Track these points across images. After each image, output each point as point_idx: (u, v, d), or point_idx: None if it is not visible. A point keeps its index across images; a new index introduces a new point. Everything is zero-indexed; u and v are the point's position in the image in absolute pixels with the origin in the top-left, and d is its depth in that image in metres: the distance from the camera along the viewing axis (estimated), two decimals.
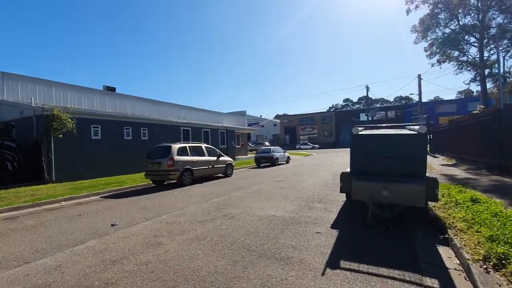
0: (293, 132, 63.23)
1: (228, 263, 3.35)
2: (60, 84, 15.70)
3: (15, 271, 3.39)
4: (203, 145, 12.22)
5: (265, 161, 18.81)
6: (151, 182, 11.14)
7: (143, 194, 9.13)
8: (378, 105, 66.83)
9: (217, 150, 12.99)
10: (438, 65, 22.33)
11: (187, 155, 10.79)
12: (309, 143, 52.96)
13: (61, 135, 11.28)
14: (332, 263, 3.29)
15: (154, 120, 17.39)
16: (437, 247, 3.73)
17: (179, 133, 18.56)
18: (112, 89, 18.56)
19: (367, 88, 40.88)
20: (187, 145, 11.17)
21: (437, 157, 18.12)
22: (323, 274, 3.02)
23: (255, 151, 22.54)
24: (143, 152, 11.94)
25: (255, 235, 4.41)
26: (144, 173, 11.00)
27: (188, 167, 10.59)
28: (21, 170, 11.40)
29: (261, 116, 72.37)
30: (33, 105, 11.74)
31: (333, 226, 4.74)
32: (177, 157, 10.25)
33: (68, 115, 11.41)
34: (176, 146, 10.52)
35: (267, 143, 44.66)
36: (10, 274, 3.31)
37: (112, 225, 5.28)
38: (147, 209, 6.64)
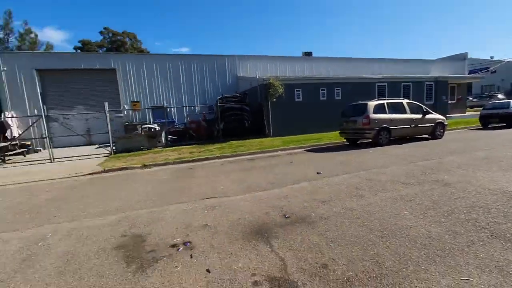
0: None
1: (446, 232, 2.93)
2: (271, 57, 19.28)
3: (258, 194, 4.88)
4: (405, 101, 10.71)
5: (498, 120, 13.50)
6: (344, 140, 11.56)
7: (338, 150, 9.70)
8: None
9: (422, 106, 10.97)
10: None
11: (385, 113, 9.98)
12: None
13: (274, 99, 14.14)
14: None
15: (346, 79, 17.27)
16: None
17: (373, 90, 17.33)
18: (309, 54, 20.21)
19: None
20: (385, 101, 10.28)
21: None
22: None
23: (481, 107, 16.67)
24: (336, 111, 12.42)
25: (485, 210, 3.47)
26: (338, 132, 11.54)
27: (385, 125, 9.86)
28: (251, 127, 15.69)
29: (492, 58, 50.42)
30: (257, 77, 15.42)
31: None
32: (373, 115, 9.77)
33: (279, 82, 13.94)
34: (372, 104, 10.00)
35: (500, 96, 31.35)
36: (255, 196, 4.82)
37: (317, 173, 6.16)
38: (345, 164, 7.05)
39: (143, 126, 15.65)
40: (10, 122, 14.54)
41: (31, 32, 34.28)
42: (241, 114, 15.13)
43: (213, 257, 2.74)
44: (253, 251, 2.81)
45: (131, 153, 12.19)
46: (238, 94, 16.50)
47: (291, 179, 5.78)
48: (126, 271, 2.60)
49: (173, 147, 13.22)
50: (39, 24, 76.87)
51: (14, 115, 14.96)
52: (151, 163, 9.20)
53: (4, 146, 12.44)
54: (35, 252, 3.12)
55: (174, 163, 9.39)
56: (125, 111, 17.42)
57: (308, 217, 3.59)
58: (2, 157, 11.78)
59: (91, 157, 11.67)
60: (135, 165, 9.08)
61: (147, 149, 12.91)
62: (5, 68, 15.45)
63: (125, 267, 2.66)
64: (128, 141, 13.11)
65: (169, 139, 14.64)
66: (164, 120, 15.74)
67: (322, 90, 16.16)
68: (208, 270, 2.51)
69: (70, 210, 4.68)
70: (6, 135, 14.12)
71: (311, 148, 10.95)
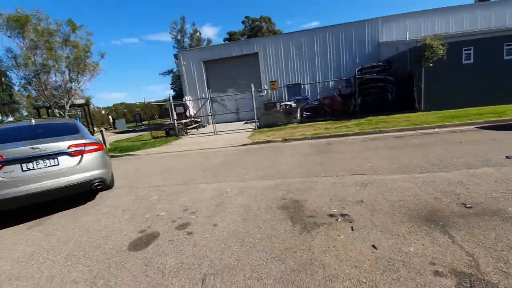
0: None
1: None
2: (425, 11, 15.53)
3: (419, 176, 4.22)
4: None
5: None
6: None
7: None
8: None
9: None
10: None
11: None
12: None
13: (431, 64, 11.49)
14: None
15: None
16: None
17: None
18: None
19: None
20: None
21: None
22: None
23: None
24: None
25: None
26: None
27: None
28: (396, 100, 13.62)
29: None
30: (407, 39, 12.97)
31: None
32: None
33: (439, 41, 11.13)
34: None
35: None
36: (416, 177, 4.19)
37: (507, 157, 4.63)
38: None
39: (281, 103, 16.87)
40: (188, 104, 19.39)
41: (197, 32, 43.24)
42: (383, 86, 13.35)
43: (377, 235, 2.65)
44: (427, 238, 2.49)
45: (271, 128, 13.51)
46: (380, 63, 14.56)
47: (464, 162, 4.63)
48: (293, 229, 2.95)
49: (308, 123, 13.55)
50: (199, 23, 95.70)
51: (191, 98, 19.78)
52: (290, 138, 9.87)
53: (186, 122, 16.82)
54: (222, 201, 4.09)
55: (311, 138, 9.65)
56: (265, 90, 19.29)
57: (502, 211, 2.79)
58: (185, 130, 16.01)
59: (241, 131, 13.86)
60: (277, 139, 10.01)
61: (284, 125, 13.90)
62: (184, 63, 20.43)
63: (291, 226, 3.03)
64: (269, 117, 14.54)
65: (303, 115, 15.12)
66: (299, 97, 16.33)
67: (508, 46, 11.64)
68: (374, 246, 2.46)
69: (237, 172, 5.78)
70: (186, 114, 19.00)
71: (487, 125, 8.35)
